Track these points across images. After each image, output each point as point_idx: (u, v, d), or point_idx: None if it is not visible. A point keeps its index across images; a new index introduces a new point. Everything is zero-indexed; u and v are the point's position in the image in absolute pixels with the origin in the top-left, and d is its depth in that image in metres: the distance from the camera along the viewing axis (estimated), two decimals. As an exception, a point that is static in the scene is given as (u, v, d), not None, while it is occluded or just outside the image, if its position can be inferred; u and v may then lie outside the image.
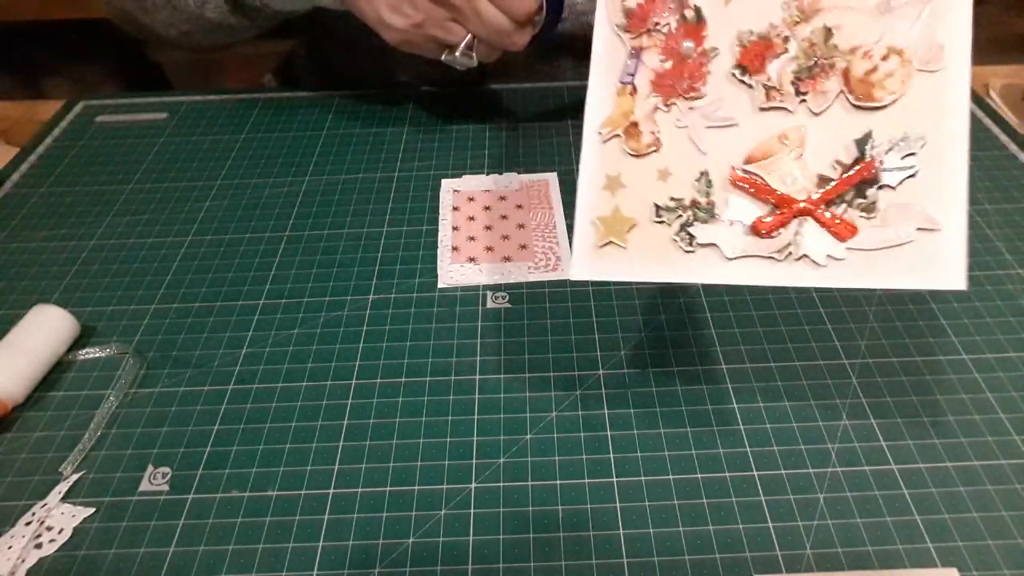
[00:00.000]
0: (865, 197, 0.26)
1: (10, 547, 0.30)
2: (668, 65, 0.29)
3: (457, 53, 0.45)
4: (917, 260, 0.25)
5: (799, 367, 0.36)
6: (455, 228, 0.44)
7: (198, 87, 0.59)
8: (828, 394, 0.35)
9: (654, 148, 0.29)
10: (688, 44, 0.29)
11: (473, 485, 0.31)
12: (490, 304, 0.40)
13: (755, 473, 0.32)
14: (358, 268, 0.42)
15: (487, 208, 0.46)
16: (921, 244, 0.25)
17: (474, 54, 0.45)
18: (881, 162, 0.26)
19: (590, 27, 0.31)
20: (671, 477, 0.31)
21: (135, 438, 0.34)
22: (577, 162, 0.49)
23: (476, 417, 0.34)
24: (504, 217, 0.45)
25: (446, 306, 0.40)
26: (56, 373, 0.37)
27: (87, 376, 0.37)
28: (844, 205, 0.26)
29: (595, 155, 0.30)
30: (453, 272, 0.41)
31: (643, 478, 0.31)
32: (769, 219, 0.27)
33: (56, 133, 0.54)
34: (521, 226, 0.44)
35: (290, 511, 0.31)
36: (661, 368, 0.36)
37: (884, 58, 0.26)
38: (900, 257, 0.25)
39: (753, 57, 0.28)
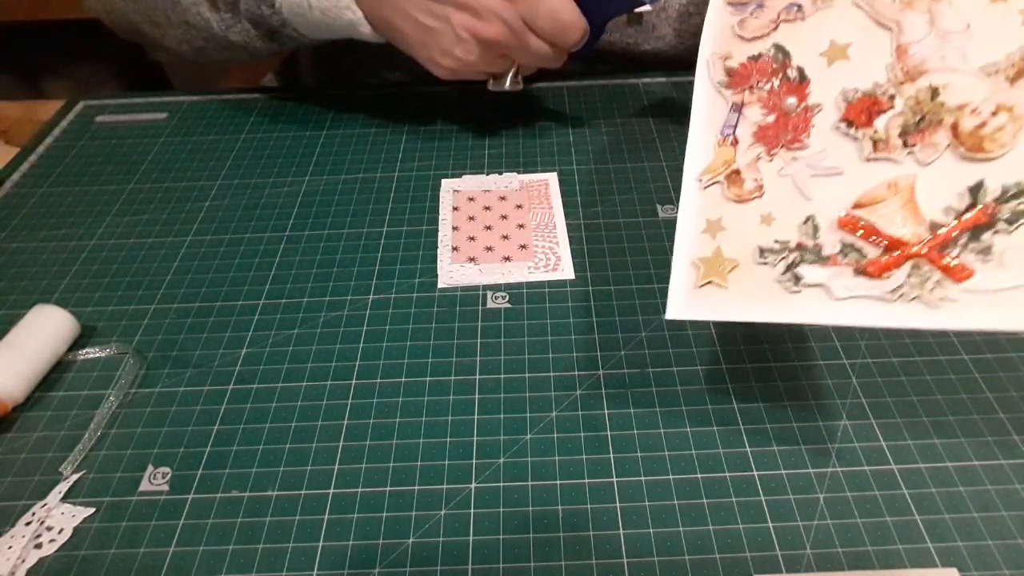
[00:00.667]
0: (980, 241, 0.27)
1: (10, 547, 0.30)
2: (771, 119, 0.31)
3: (507, 84, 0.47)
4: None
5: (799, 367, 0.36)
6: (455, 228, 0.44)
7: (198, 87, 0.59)
8: (828, 394, 0.35)
9: (757, 194, 0.30)
10: (791, 100, 0.30)
11: (473, 485, 0.31)
12: (490, 304, 0.40)
13: (755, 473, 0.32)
14: (358, 268, 0.42)
15: (487, 208, 0.46)
16: None
17: (520, 79, 0.48)
18: (996, 208, 0.27)
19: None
20: (671, 477, 0.31)
21: (135, 438, 0.34)
22: (578, 161, 0.49)
23: (476, 417, 0.34)
24: (504, 217, 0.45)
25: (446, 306, 0.40)
26: (56, 373, 0.37)
27: (87, 376, 0.37)
28: (959, 249, 0.27)
29: (695, 200, 0.31)
30: (453, 272, 0.41)
31: (643, 478, 0.31)
32: (881, 261, 0.28)
33: (56, 133, 0.54)
34: (521, 226, 0.44)
35: (290, 511, 0.31)
36: (661, 368, 0.36)
37: (993, 113, 0.27)
38: (1016, 300, 0.26)
39: (859, 112, 0.29)
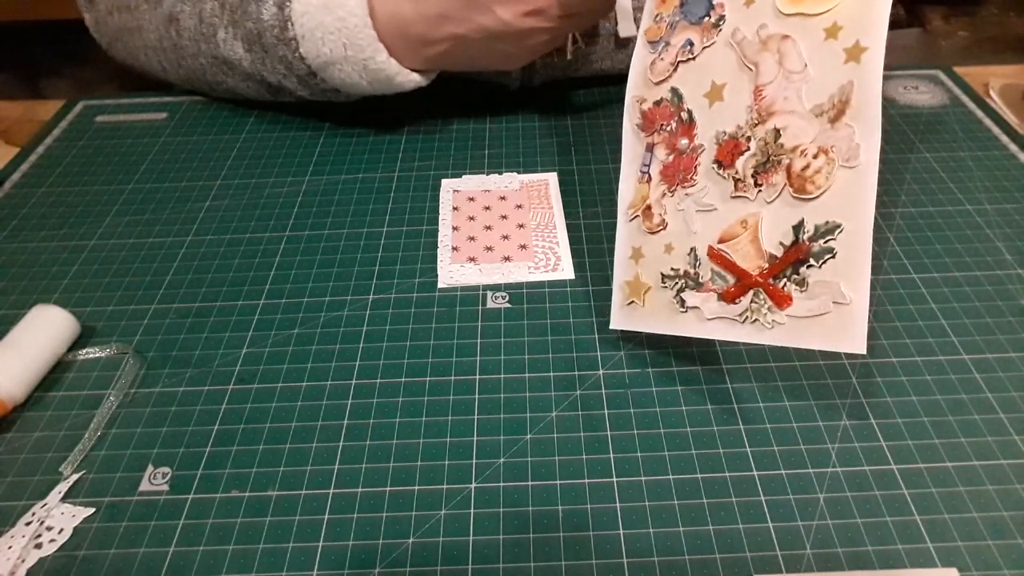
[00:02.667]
0: (799, 274, 0.30)
1: (10, 547, 0.30)
2: (671, 158, 0.34)
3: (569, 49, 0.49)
4: (832, 327, 0.29)
5: (799, 367, 0.36)
6: (455, 228, 0.44)
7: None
8: (828, 394, 0.35)
9: (661, 227, 0.34)
10: (684, 141, 0.34)
11: (473, 485, 0.31)
12: (490, 304, 0.40)
13: (755, 473, 0.32)
14: (358, 268, 0.42)
15: (487, 208, 0.46)
16: (836, 314, 0.29)
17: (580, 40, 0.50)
18: (809, 245, 0.30)
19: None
20: (671, 477, 0.31)
21: (135, 438, 0.34)
22: (578, 161, 0.49)
23: (476, 417, 0.34)
24: (504, 217, 0.45)
25: (446, 306, 0.40)
26: (56, 373, 0.37)
27: (87, 376, 0.37)
28: (784, 279, 0.30)
29: (624, 231, 0.36)
30: (453, 272, 0.41)
31: (643, 478, 0.31)
32: (733, 288, 0.32)
33: (56, 133, 0.54)
34: (521, 226, 0.44)
35: (290, 511, 0.31)
36: (661, 368, 0.36)
37: (815, 156, 0.30)
38: (822, 323, 0.30)
39: (726, 153, 0.32)
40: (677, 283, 0.33)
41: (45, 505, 0.31)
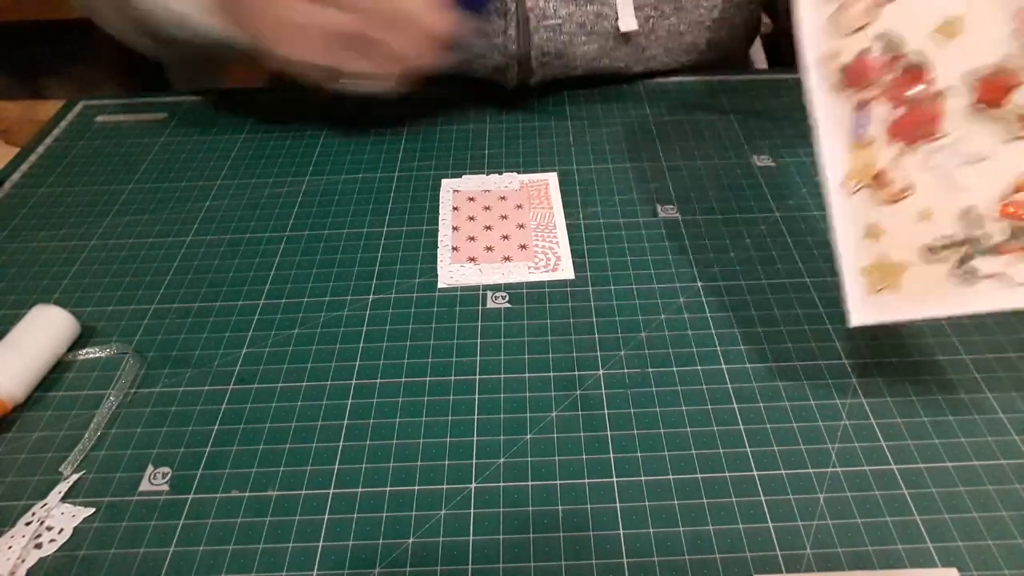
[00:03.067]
0: None
1: (10, 547, 0.30)
2: (901, 111, 0.29)
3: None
4: None
5: (799, 367, 0.36)
6: (455, 228, 0.44)
7: (198, 87, 0.59)
8: (828, 394, 0.35)
9: (908, 192, 0.30)
10: (918, 88, 0.29)
11: (473, 485, 0.31)
12: (490, 304, 0.40)
13: (755, 473, 0.32)
14: (358, 268, 0.42)
15: (487, 208, 0.46)
16: None
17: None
18: None
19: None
20: (671, 477, 0.31)
21: (135, 438, 0.34)
22: (578, 161, 0.49)
23: (476, 417, 0.34)
24: (504, 217, 0.45)
25: (446, 306, 0.40)
26: (56, 373, 0.37)
27: (87, 376, 0.37)
28: None
29: (846, 210, 0.30)
30: (453, 272, 0.41)
31: (643, 478, 0.31)
32: None
33: (56, 133, 0.54)
34: (521, 226, 0.44)
35: (290, 511, 0.31)
36: (661, 368, 0.36)
37: None
38: None
39: (992, 91, 0.28)
40: (956, 252, 0.29)
41: (45, 505, 0.31)
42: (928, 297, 0.29)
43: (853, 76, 0.30)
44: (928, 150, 0.29)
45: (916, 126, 0.29)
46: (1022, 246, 0.28)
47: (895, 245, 0.30)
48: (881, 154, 0.30)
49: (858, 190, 0.31)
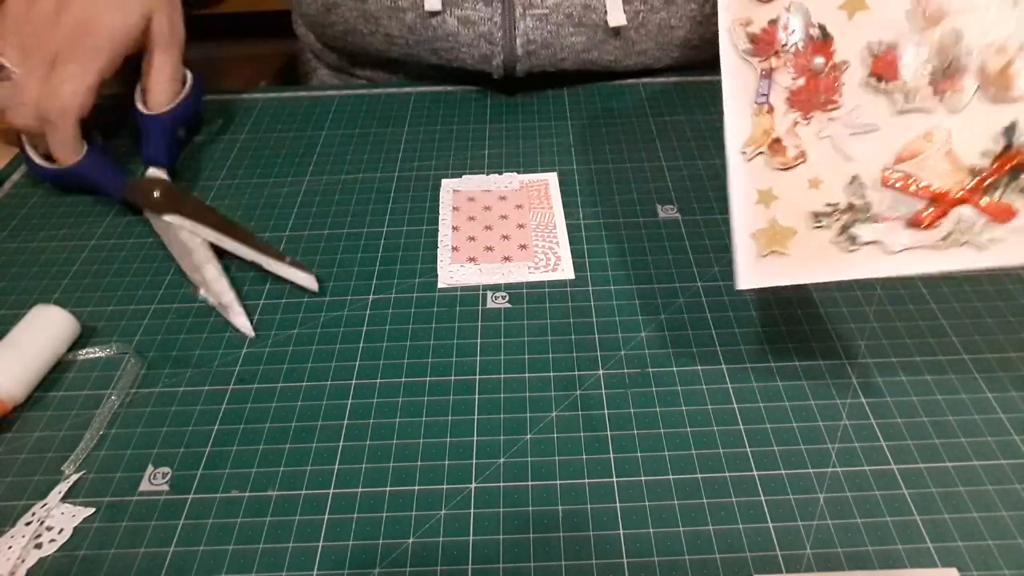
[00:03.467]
0: (1020, 180, 0.27)
1: (10, 547, 0.30)
2: (801, 82, 0.31)
3: None
4: None
5: (799, 367, 0.36)
6: (455, 228, 0.44)
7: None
8: (828, 394, 0.35)
9: (801, 160, 0.31)
10: (819, 60, 0.30)
11: (473, 485, 0.31)
12: (490, 304, 0.40)
13: (755, 473, 0.32)
14: (358, 268, 0.42)
15: (487, 208, 0.46)
16: None
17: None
18: None
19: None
20: (671, 477, 0.31)
21: (135, 438, 0.34)
22: (578, 161, 0.49)
23: (476, 417, 0.34)
24: (504, 217, 0.45)
25: (446, 306, 0.40)
26: (56, 373, 0.37)
27: (87, 376, 0.37)
28: (1000, 190, 0.27)
29: (742, 173, 0.31)
30: (453, 272, 0.41)
31: (643, 478, 0.31)
32: (928, 212, 0.28)
33: (56, 133, 0.54)
34: (521, 226, 0.44)
35: (290, 511, 0.31)
36: (661, 368, 0.36)
37: (1021, 49, 0.27)
38: None
39: (886, 66, 0.29)
40: (839, 219, 0.30)
41: (45, 505, 0.31)
42: (812, 262, 0.31)
43: (761, 44, 0.31)
44: (823, 119, 0.30)
45: (815, 95, 0.30)
46: (899, 215, 0.29)
47: (785, 211, 0.31)
48: (779, 121, 0.31)
49: (755, 156, 0.31)
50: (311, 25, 0.61)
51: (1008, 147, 0.28)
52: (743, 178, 0.32)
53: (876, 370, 0.35)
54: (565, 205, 0.46)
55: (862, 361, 0.36)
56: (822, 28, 0.30)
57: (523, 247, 0.43)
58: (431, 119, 0.54)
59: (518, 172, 0.49)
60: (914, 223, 0.29)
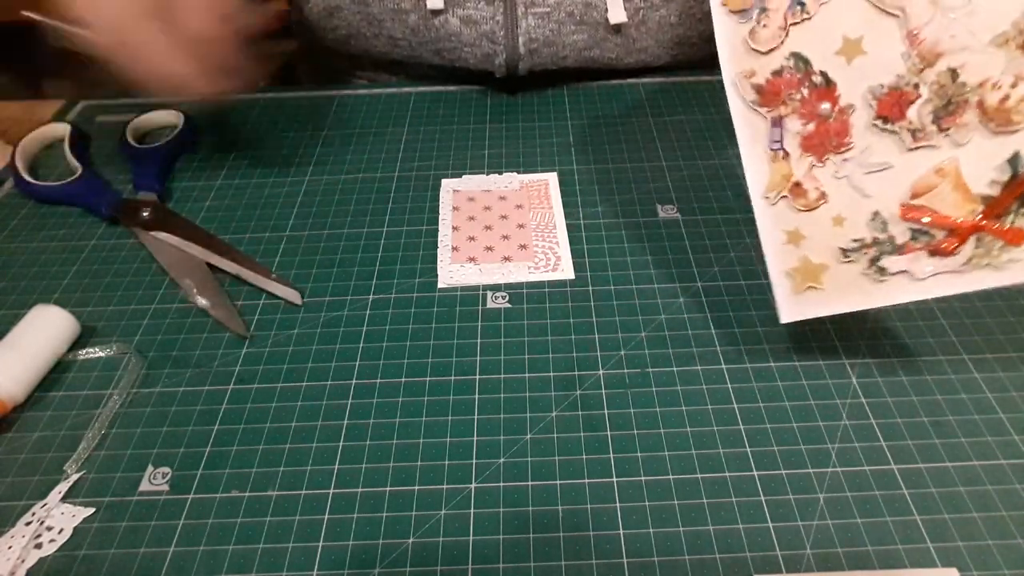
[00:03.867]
0: None
1: (10, 547, 0.30)
2: (811, 127, 0.32)
3: None
4: None
5: (799, 367, 0.36)
6: (455, 228, 0.44)
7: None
8: (828, 394, 0.35)
9: (822, 200, 0.32)
10: (825, 106, 0.32)
11: (473, 485, 0.31)
12: (490, 304, 0.40)
13: (755, 473, 0.32)
14: (358, 268, 0.42)
15: (487, 208, 0.46)
16: None
17: None
18: None
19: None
20: (671, 477, 0.31)
21: (135, 438, 0.34)
22: (578, 161, 0.49)
23: (476, 417, 0.34)
24: (504, 217, 0.45)
25: (446, 306, 0.40)
26: (56, 373, 0.37)
27: (87, 376, 0.37)
28: (1012, 215, 0.29)
29: (769, 217, 0.34)
30: (453, 272, 0.41)
31: (643, 478, 0.31)
32: (948, 240, 0.30)
33: (56, 133, 0.54)
34: (521, 226, 0.44)
35: (290, 511, 0.31)
36: (661, 368, 0.36)
37: (1013, 85, 0.29)
38: None
39: (891, 107, 0.31)
40: (866, 253, 0.32)
41: (45, 505, 0.31)
42: (845, 294, 0.33)
43: (768, 94, 0.33)
44: (837, 161, 0.32)
45: (826, 140, 0.32)
46: (921, 246, 0.31)
47: (814, 248, 0.33)
48: (796, 166, 0.33)
49: (778, 200, 0.33)
50: (313, 29, 0.61)
51: (1015, 176, 0.29)
52: (770, 221, 0.33)
53: (876, 370, 0.35)
54: (565, 205, 0.46)
55: (862, 361, 0.36)
56: (824, 75, 0.32)
57: (523, 247, 0.43)
58: (431, 119, 0.54)
59: (518, 172, 0.48)
60: (937, 251, 0.31)
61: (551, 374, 0.36)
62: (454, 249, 0.43)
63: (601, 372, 0.36)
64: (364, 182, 0.49)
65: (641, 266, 0.41)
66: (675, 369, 0.36)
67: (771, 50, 0.32)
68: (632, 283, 0.40)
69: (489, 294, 0.40)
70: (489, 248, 0.43)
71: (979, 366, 0.36)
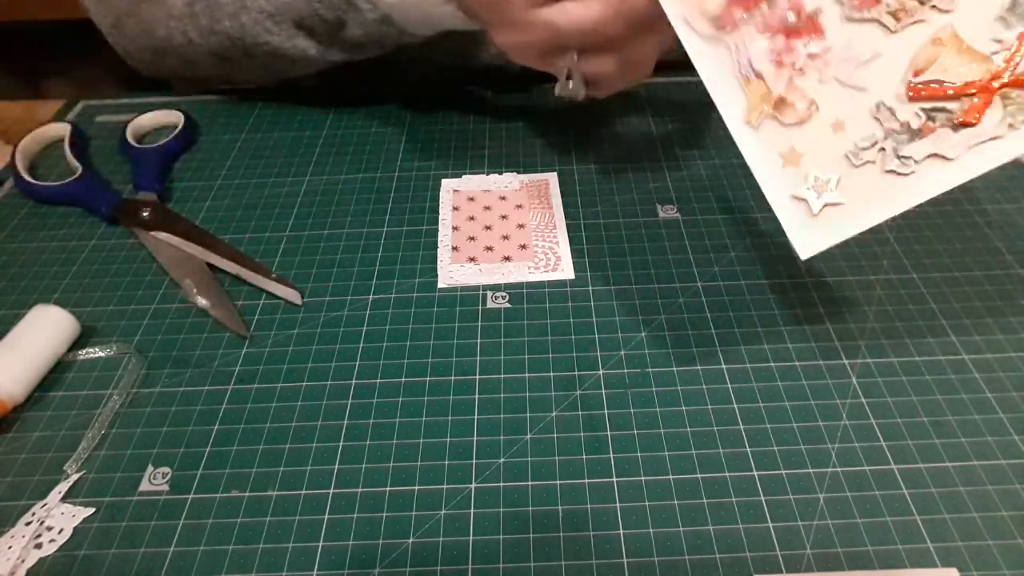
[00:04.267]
0: None
1: (10, 547, 0.30)
2: (780, 40, 0.30)
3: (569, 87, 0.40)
4: None
5: (799, 367, 0.36)
6: (455, 228, 0.44)
7: (198, 87, 0.59)
8: (828, 394, 0.35)
9: (812, 109, 0.30)
10: (789, 15, 0.30)
11: (473, 485, 0.31)
12: (490, 304, 0.40)
13: (755, 473, 0.32)
14: (358, 268, 0.42)
15: (487, 208, 0.46)
16: None
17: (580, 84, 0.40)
18: None
19: None
20: (671, 477, 0.31)
21: (135, 438, 0.34)
22: (578, 161, 0.49)
23: (476, 417, 0.34)
24: (504, 217, 0.45)
25: (446, 306, 0.40)
26: (56, 373, 0.37)
27: (87, 376, 0.37)
28: None
29: (755, 144, 0.30)
30: (453, 272, 0.41)
31: (643, 478, 0.31)
32: (970, 108, 0.28)
33: (56, 133, 0.54)
34: (521, 226, 0.44)
35: (290, 511, 0.31)
36: (661, 368, 0.36)
37: None
38: None
39: None
40: (882, 149, 0.29)
41: (45, 505, 0.31)
42: (871, 200, 0.29)
43: (724, 19, 0.30)
44: (818, 66, 0.30)
45: (799, 49, 0.30)
46: (941, 124, 0.29)
47: (818, 162, 0.30)
48: (775, 83, 0.30)
49: (762, 121, 0.30)
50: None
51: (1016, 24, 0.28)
52: (758, 147, 0.30)
53: (876, 370, 0.35)
54: (565, 205, 0.46)
55: (862, 361, 0.36)
56: None
57: (523, 247, 0.43)
58: (431, 119, 0.54)
59: (518, 172, 0.49)
60: (964, 123, 0.28)
61: (551, 374, 0.36)
62: (454, 249, 0.43)
63: (601, 372, 0.36)
64: (364, 182, 0.49)
65: (641, 266, 0.41)
66: (675, 369, 0.36)
67: None
68: (632, 283, 0.40)
69: (489, 294, 0.40)
70: (489, 248, 0.43)
71: (979, 366, 0.36)
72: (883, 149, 0.29)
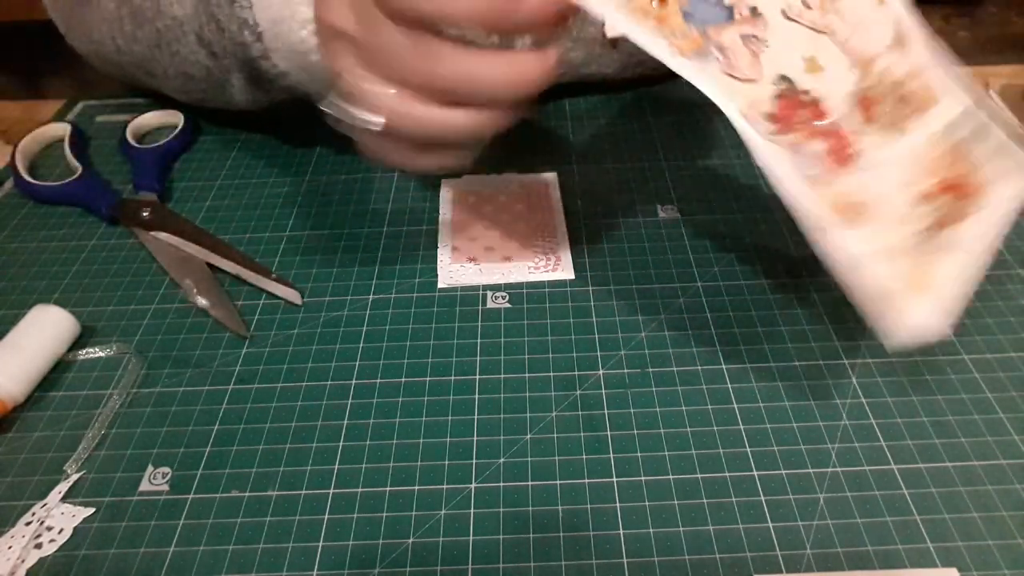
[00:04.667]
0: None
1: (10, 547, 0.30)
2: (829, 143, 0.31)
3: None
4: None
5: (799, 367, 0.36)
6: (455, 228, 0.44)
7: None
8: (828, 394, 0.35)
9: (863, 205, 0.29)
10: (821, 122, 0.30)
11: (473, 485, 0.31)
12: (490, 304, 0.40)
13: (755, 473, 0.32)
14: (358, 268, 0.42)
15: (487, 208, 0.46)
16: None
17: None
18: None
19: None
20: (671, 477, 0.31)
21: (135, 438, 0.34)
22: (578, 161, 0.49)
23: (476, 417, 0.34)
24: (504, 217, 0.45)
25: (446, 306, 0.40)
26: (56, 373, 0.37)
27: (87, 376, 0.37)
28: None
29: (847, 246, 0.28)
30: (453, 272, 0.41)
31: (643, 478, 0.31)
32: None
33: (56, 133, 0.54)
34: (521, 226, 0.44)
35: (290, 511, 0.31)
36: (661, 368, 0.36)
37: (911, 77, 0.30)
38: None
39: (868, 106, 0.31)
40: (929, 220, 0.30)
41: (45, 505, 0.31)
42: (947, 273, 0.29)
43: (784, 121, 0.29)
44: (862, 163, 0.30)
45: (842, 150, 0.30)
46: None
47: (903, 257, 0.29)
48: (840, 184, 0.29)
49: (842, 220, 0.28)
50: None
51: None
52: (851, 250, 0.28)
53: (876, 370, 0.35)
54: (565, 205, 0.46)
55: (862, 361, 0.36)
56: (807, 92, 0.31)
57: (523, 247, 0.43)
58: (431, 119, 0.54)
59: (518, 172, 0.48)
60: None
61: (551, 374, 0.36)
62: (454, 249, 0.43)
63: (601, 372, 0.36)
64: (364, 182, 0.49)
65: (641, 266, 0.41)
66: (675, 369, 0.36)
67: (752, 79, 0.30)
68: (632, 283, 0.40)
69: (489, 294, 0.40)
70: (489, 248, 0.43)
71: (979, 366, 0.36)
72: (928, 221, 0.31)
